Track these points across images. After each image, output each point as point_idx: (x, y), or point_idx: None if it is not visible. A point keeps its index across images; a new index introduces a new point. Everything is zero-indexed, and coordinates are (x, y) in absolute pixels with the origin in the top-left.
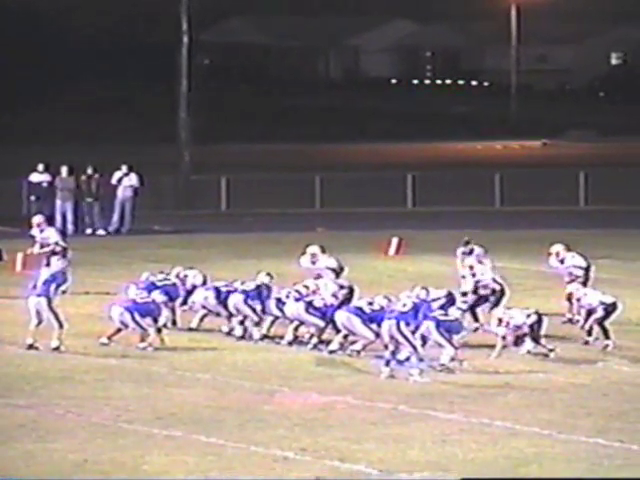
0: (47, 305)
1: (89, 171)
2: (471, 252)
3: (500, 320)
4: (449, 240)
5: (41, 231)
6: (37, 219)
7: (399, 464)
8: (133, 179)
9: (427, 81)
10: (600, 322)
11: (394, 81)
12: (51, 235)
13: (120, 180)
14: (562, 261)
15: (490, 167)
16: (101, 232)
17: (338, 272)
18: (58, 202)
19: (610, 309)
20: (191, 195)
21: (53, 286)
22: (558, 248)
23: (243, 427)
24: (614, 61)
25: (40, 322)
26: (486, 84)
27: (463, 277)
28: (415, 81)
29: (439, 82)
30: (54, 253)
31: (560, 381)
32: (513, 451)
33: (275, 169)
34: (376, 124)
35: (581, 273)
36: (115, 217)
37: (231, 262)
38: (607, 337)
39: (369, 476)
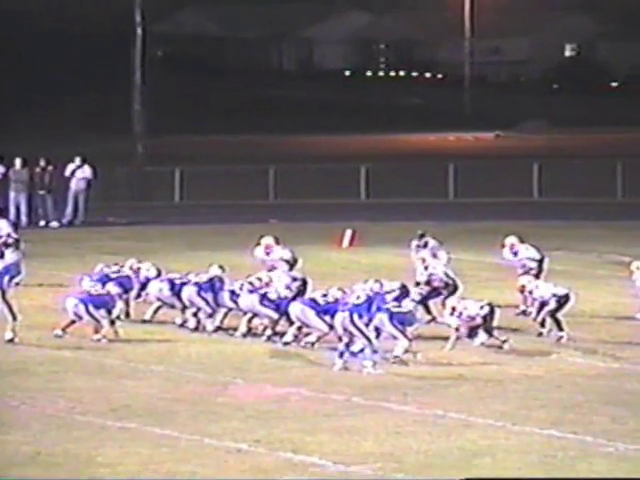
0: (1, 297)
1: (42, 163)
2: (425, 245)
3: (454, 309)
4: (403, 232)
5: None
6: None
7: (353, 456)
8: (87, 171)
9: (381, 73)
10: (553, 314)
11: (348, 73)
12: (3, 227)
13: (73, 172)
14: (516, 253)
15: (444, 159)
16: (54, 224)
17: (292, 264)
18: (12, 194)
19: (563, 301)
20: (145, 187)
21: (6, 278)
22: (512, 240)
23: (197, 419)
24: (568, 52)
25: None
26: (440, 76)
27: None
28: (369, 73)
29: (393, 74)
30: (6, 245)
31: (514, 373)
32: (467, 443)
33: (229, 161)
34: (330, 116)
35: (534, 265)
36: (68, 209)
37: (185, 254)
38: (560, 329)
39: (323, 468)
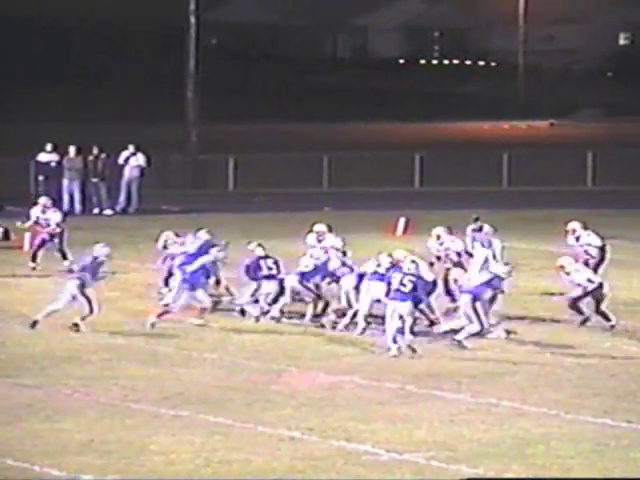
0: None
1: (96, 151)
2: (480, 229)
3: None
4: (457, 220)
5: (43, 212)
6: (43, 200)
7: (406, 444)
8: (140, 159)
9: (435, 61)
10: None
11: (402, 61)
12: (54, 217)
13: (127, 160)
14: (577, 238)
15: (498, 147)
16: (108, 212)
17: (343, 252)
18: (65, 182)
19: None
20: (199, 175)
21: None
22: (574, 225)
23: (250, 407)
24: (622, 41)
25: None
26: (493, 64)
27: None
28: (423, 61)
29: (447, 62)
30: (52, 235)
31: (567, 362)
32: (520, 431)
33: (283, 149)
34: (384, 104)
35: (595, 252)
36: (122, 197)
37: (239, 242)
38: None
39: (376, 456)
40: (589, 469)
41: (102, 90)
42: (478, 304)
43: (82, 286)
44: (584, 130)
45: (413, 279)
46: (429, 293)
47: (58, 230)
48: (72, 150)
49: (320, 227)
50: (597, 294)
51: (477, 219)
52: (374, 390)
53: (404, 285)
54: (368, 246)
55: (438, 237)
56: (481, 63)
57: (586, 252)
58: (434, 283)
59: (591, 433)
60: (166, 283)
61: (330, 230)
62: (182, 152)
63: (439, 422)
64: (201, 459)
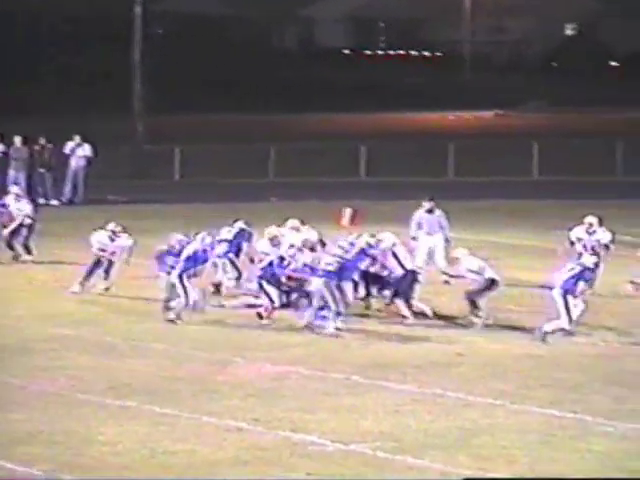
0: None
1: (42, 141)
2: (431, 211)
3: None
4: (403, 210)
5: (17, 201)
6: (15, 189)
7: (352, 434)
8: (86, 149)
9: (380, 52)
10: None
11: (347, 52)
12: (26, 208)
13: (73, 150)
14: (592, 233)
15: (443, 138)
16: (54, 202)
17: (324, 244)
18: (11, 172)
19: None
20: (145, 165)
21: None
22: (592, 220)
23: (196, 397)
24: (569, 32)
25: None
26: (440, 55)
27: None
28: (368, 52)
29: (392, 53)
30: (22, 225)
31: (515, 352)
32: (466, 422)
33: (229, 139)
34: (330, 94)
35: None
36: (68, 187)
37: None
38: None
39: (322, 446)
40: (535, 460)
41: (47, 80)
42: (570, 298)
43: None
44: (529, 121)
45: (340, 260)
46: (409, 284)
47: (28, 222)
48: (18, 140)
49: (294, 222)
50: (492, 289)
51: (432, 199)
52: (320, 381)
53: (330, 264)
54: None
55: (590, 225)
56: (427, 54)
57: (593, 247)
58: (412, 272)
59: (537, 424)
60: None
61: (303, 223)
62: (128, 143)
63: (385, 413)
64: (147, 449)
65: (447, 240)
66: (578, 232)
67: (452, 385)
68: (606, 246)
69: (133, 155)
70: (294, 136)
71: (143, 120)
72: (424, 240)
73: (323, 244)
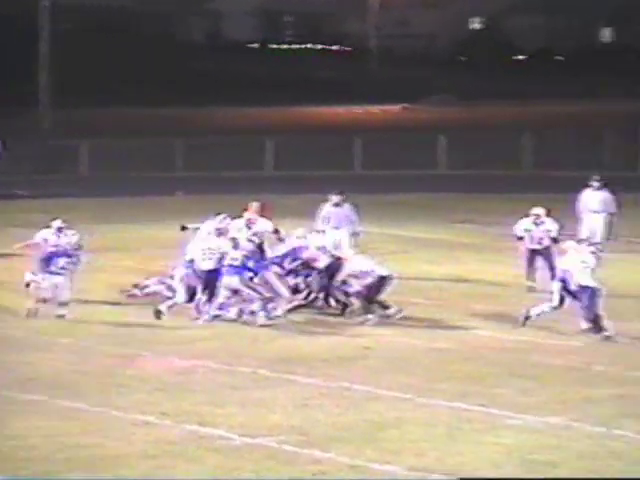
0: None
1: None
2: (338, 205)
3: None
4: (310, 204)
5: None
6: None
7: (259, 428)
8: None
9: (288, 45)
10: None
11: (255, 45)
12: None
13: None
14: (539, 224)
15: (351, 131)
16: None
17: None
18: None
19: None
20: (51, 159)
21: None
22: (539, 211)
23: (104, 391)
24: (475, 26)
25: None
26: (347, 48)
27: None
28: (276, 45)
29: (300, 46)
30: None
31: (420, 345)
32: (373, 415)
33: (136, 133)
34: (238, 88)
35: (549, 241)
36: None
37: (92, 227)
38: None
39: (230, 440)
40: (443, 453)
41: None
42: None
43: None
44: (436, 114)
45: (245, 253)
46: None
47: None
48: None
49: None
50: (384, 285)
51: (340, 192)
52: (228, 374)
53: (235, 259)
54: None
55: (537, 217)
56: (334, 47)
57: (540, 239)
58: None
59: (444, 417)
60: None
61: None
62: (35, 137)
63: (292, 406)
64: (55, 444)
65: (356, 233)
66: (525, 224)
67: (359, 379)
68: (554, 239)
69: (39, 149)
70: (201, 130)
71: (50, 115)
72: (330, 234)
73: (277, 232)
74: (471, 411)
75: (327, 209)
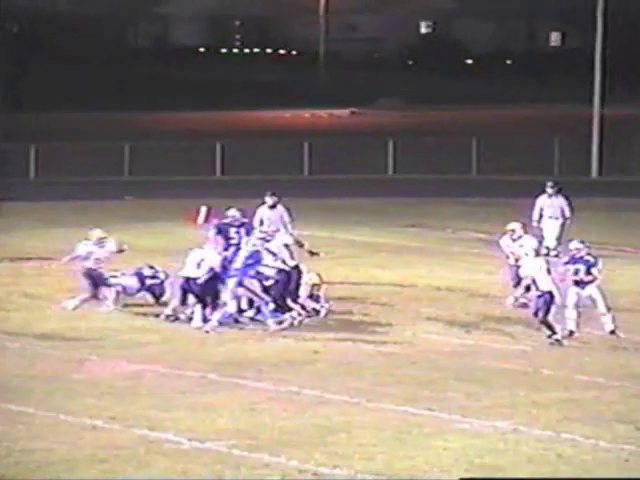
0: None
1: None
2: (275, 206)
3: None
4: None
5: None
6: None
7: (208, 432)
8: None
9: (236, 50)
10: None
11: (202, 50)
12: None
13: None
14: (515, 239)
15: (299, 136)
16: None
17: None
18: None
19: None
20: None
21: None
22: (514, 226)
23: (52, 396)
24: (423, 30)
25: None
26: (295, 53)
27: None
28: (224, 50)
29: (248, 51)
30: None
31: (369, 349)
32: (322, 419)
33: (85, 137)
34: (185, 93)
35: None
36: None
37: (39, 231)
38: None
39: (178, 444)
40: (391, 457)
41: None
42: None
43: None
44: (385, 119)
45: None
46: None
47: None
48: None
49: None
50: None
51: (274, 194)
52: (176, 379)
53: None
54: (170, 234)
55: (513, 232)
56: (282, 52)
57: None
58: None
59: (393, 421)
60: None
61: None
62: None
63: (240, 410)
64: (3, 448)
65: (290, 235)
66: (505, 241)
67: (308, 383)
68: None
69: None
70: (149, 134)
71: None
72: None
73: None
74: (419, 415)
75: (261, 211)
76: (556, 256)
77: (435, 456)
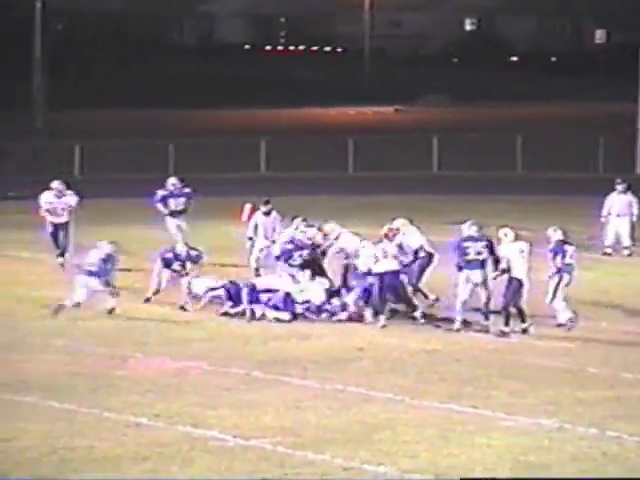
0: None
1: None
2: (269, 213)
3: None
4: (302, 205)
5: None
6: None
7: (253, 430)
8: None
9: (280, 47)
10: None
11: (247, 47)
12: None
13: None
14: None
15: (343, 133)
16: None
17: None
18: None
19: None
20: (45, 161)
21: None
22: (505, 231)
23: (96, 393)
24: (468, 27)
25: None
26: (340, 50)
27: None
28: (268, 47)
29: (292, 48)
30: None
31: (413, 347)
32: (367, 417)
33: (129, 135)
34: (231, 90)
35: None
36: None
37: (86, 228)
38: None
39: (222, 442)
40: (435, 455)
41: None
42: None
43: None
44: (429, 115)
45: None
46: None
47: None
48: None
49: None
50: None
51: (267, 202)
52: (221, 376)
53: None
54: (215, 232)
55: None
56: (327, 49)
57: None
58: None
59: (437, 418)
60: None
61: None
62: (29, 138)
63: (285, 408)
64: (46, 446)
65: (273, 242)
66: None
67: (352, 380)
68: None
69: (33, 151)
70: (195, 132)
71: (43, 116)
72: (258, 242)
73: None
74: (464, 413)
75: (257, 218)
76: (630, 255)
77: (479, 454)
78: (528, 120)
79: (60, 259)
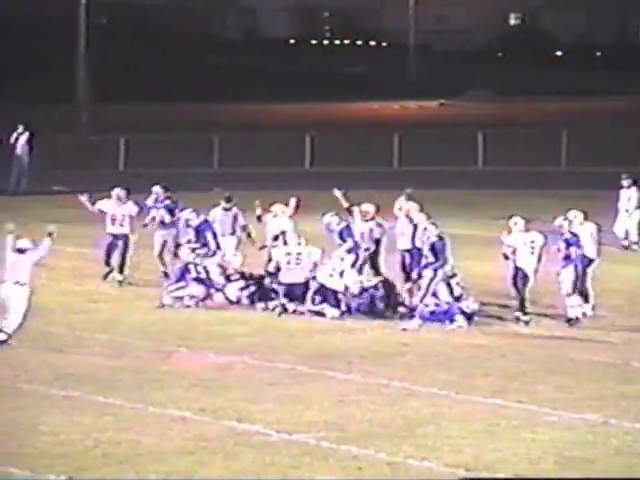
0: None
1: None
2: (229, 209)
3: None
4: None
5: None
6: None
7: (297, 424)
8: (28, 137)
9: (325, 41)
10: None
11: (292, 41)
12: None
13: (17, 139)
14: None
15: (388, 127)
16: None
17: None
18: None
19: None
20: (89, 155)
21: None
22: (515, 220)
23: (140, 387)
24: (512, 21)
25: None
26: (384, 44)
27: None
28: (313, 41)
29: (338, 42)
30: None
31: (457, 342)
32: (411, 411)
33: (174, 129)
34: (275, 84)
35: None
36: (13, 178)
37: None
38: None
39: (267, 436)
40: (480, 450)
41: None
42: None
43: None
44: (474, 110)
45: None
46: None
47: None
48: None
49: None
50: None
51: (229, 199)
52: (265, 370)
53: None
54: (260, 226)
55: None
56: (372, 43)
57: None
58: None
59: (482, 413)
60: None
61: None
62: (73, 132)
63: (329, 402)
64: (91, 439)
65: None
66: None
67: (397, 375)
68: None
69: (77, 145)
70: (238, 126)
71: (87, 109)
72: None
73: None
74: (508, 407)
75: (214, 212)
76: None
77: (524, 448)
78: (573, 115)
79: (119, 276)
